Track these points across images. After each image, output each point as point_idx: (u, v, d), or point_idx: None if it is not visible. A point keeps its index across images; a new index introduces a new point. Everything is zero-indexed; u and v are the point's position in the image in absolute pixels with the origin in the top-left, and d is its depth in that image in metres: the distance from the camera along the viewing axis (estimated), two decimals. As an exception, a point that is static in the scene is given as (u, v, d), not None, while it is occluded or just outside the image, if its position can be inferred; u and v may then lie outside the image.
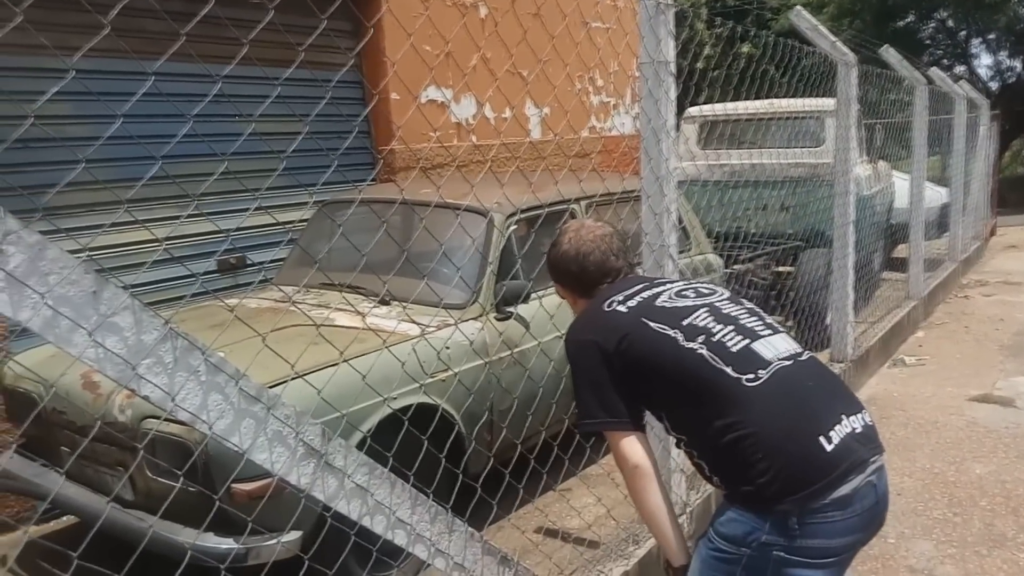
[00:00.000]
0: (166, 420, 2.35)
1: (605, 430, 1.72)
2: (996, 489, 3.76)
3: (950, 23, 20.27)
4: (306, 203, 4.59)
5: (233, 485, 2.31)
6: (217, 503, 1.84)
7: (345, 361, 2.24)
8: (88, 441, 2.59)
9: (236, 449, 1.30)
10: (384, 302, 3.11)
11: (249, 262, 4.57)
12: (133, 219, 3.43)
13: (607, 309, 1.79)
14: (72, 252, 1.08)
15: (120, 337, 1.14)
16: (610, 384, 1.70)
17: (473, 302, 3.29)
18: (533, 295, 3.30)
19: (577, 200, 3.83)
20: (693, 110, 7.02)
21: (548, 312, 3.13)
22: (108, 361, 1.13)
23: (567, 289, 2.00)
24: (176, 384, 1.21)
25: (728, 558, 1.60)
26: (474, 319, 3.24)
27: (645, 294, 1.82)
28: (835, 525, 1.52)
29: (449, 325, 2.96)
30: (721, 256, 4.98)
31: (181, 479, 1.98)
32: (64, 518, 3.56)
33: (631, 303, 1.79)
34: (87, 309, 1.10)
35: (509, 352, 3.26)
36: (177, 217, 4.00)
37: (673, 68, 2.71)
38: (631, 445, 1.70)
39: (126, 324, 1.15)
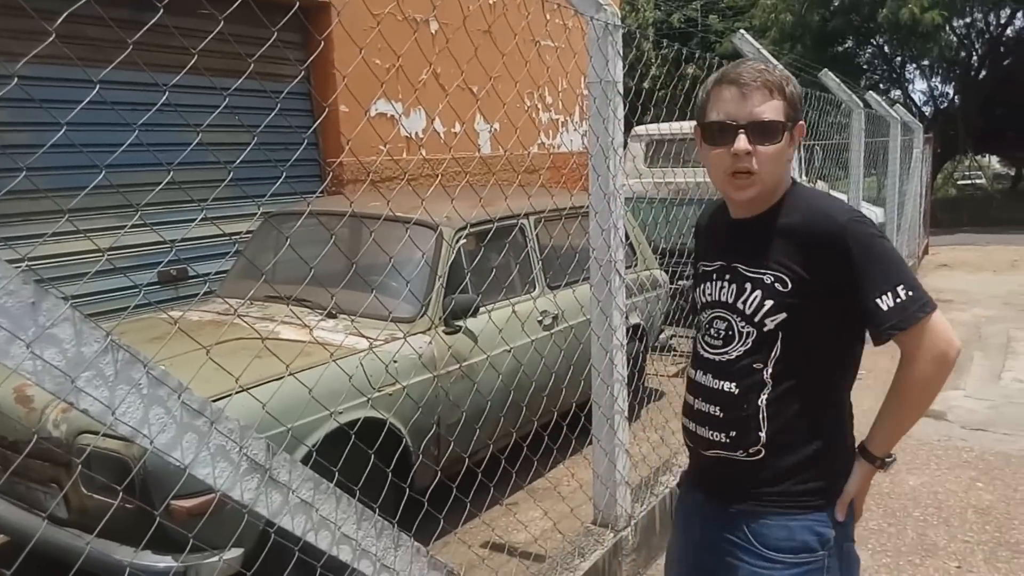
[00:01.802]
0: (103, 435, 2.30)
1: (935, 309, 1.49)
2: (929, 500, 3.88)
3: (887, 49, 21.05)
4: (252, 214, 4.53)
5: (172, 501, 2.27)
6: (156, 520, 1.80)
7: (291, 374, 2.22)
8: (22, 457, 2.51)
9: (178, 464, 1.28)
10: (331, 315, 3.09)
11: (192, 274, 4.49)
12: (74, 229, 3.34)
13: None
14: (11, 262, 1.06)
15: (59, 349, 1.11)
16: None
17: (422, 315, 3.28)
18: (482, 309, 3.31)
19: (526, 215, 3.87)
20: (640, 129, 7.14)
21: (496, 326, 3.15)
22: (46, 374, 1.10)
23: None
24: (116, 397, 1.19)
25: (810, 568, 1.52)
26: (422, 332, 3.23)
27: None
28: None
29: (397, 339, 2.95)
30: (666, 272, 5.07)
31: (119, 496, 1.93)
32: (-7, 537, 3.43)
33: None
34: (25, 320, 1.07)
35: (457, 366, 3.26)
36: (120, 227, 3.92)
37: (621, 87, 2.76)
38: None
39: (66, 336, 1.13)
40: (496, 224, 3.51)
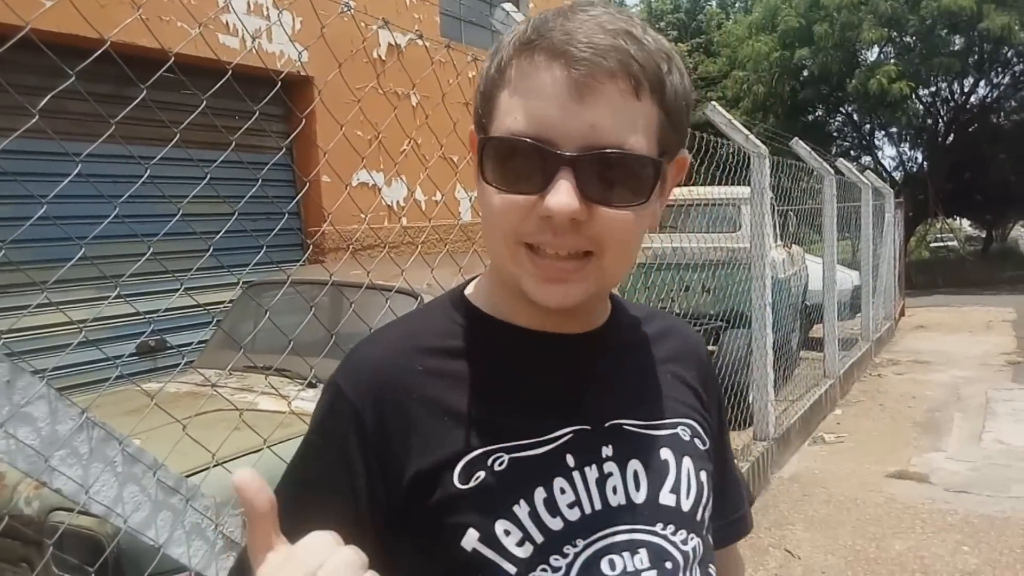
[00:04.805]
0: (77, 512, 2.25)
1: None
2: (915, 564, 3.85)
3: (856, 117, 21.67)
4: (232, 284, 4.53)
5: (146, 581, 2.21)
6: (129, 600, 1.76)
7: (268, 447, 2.19)
8: (-10, 536, 2.44)
9: (152, 543, 1.26)
10: (311, 385, 3.07)
11: (170, 344, 4.46)
12: (49, 302, 3.33)
13: None
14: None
15: (34, 427, 1.11)
16: None
17: (402, 385, 3.26)
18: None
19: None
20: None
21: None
22: (19, 453, 1.09)
23: None
24: (91, 476, 1.17)
25: None
26: (402, 402, 3.21)
27: None
28: None
29: (377, 408, 2.93)
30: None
31: None
32: (-44, 621, 3.30)
33: None
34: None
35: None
36: (98, 299, 3.90)
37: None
38: None
39: (40, 414, 1.12)
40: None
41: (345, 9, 2.42)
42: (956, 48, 18.23)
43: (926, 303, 15.09)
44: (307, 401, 3.00)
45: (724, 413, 0.98)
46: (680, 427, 0.86)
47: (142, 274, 4.19)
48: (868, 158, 22.32)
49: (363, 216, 5.43)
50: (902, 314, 12.99)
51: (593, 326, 0.86)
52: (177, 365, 4.20)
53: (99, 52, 1.37)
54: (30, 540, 2.46)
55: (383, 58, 6.64)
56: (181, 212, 1.66)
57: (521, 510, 0.75)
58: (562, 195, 0.69)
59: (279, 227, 5.13)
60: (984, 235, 28.29)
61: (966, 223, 30.19)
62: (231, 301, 4.14)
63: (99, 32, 1.46)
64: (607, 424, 0.81)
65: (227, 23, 5.28)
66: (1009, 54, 18.83)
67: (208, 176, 1.60)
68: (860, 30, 17.19)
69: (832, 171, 7.38)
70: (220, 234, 1.73)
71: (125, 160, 3.96)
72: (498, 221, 0.75)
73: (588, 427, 0.80)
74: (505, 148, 0.73)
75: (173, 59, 1.52)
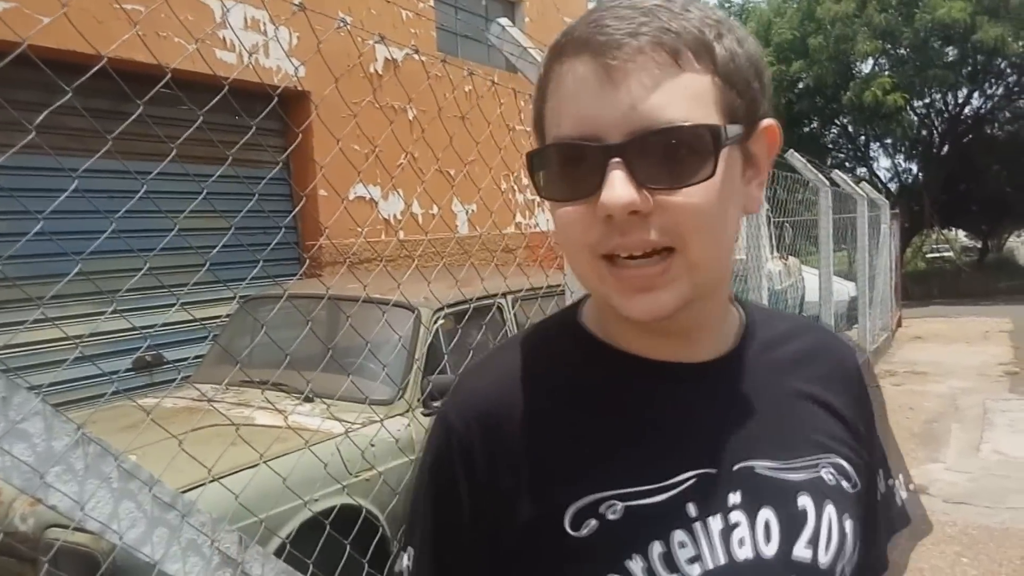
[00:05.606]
0: (72, 529, 2.24)
1: None
2: (914, 577, 3.84)
3: (851, 129, 21.77)
4: (229, 299, 4.53)
5: (142, 597, 2.19)
6: (124, 618, 1.74)
7: (264, 462, 2.19)
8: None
9: (148, 560, 1.25)
10: (307, 399, 3.06)
11: (167, 359, 4.45)
12: (45, 317, 3.33)
13: None
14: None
15: (29, 444, 1.10)
16: None
17: (399, 398, 3.26)
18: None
19: (503, 295, 3.89)
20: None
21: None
22: (14, 470, 1.08)
23: None
24: (86, 492, 1.17)
25: None
26: (400, 415, 3.21)
27: None
28: None
29: (375, 422, 2.93)
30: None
31: (86, 593, 1.87)
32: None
33: None
34: (-5, 416, 1.06)
35: (435, 449, 3.22)
36: (93, 314, 3.90)
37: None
38: None
39: (36, 430, 1.11)
40: (473, 304, 3.53)
41: (341, 24, 2.44)
42: (950, 60, 18.32)
43: (923, 314, 15.10)
44: (304, 416, 3.00)
45: (881, 446, 0.88)
46: (824, 467, 0.77)
47: (139, 289, 4.18)
48: (863, 169, 22.42)
49: (360, 230, 5.44)
50: (899, 325, 12.99)
51: (720, 350, 0.78)
52: (173, 380, 4.19)
53: (96, 68, 1.38)
54: (26, 557, 2.44)
55: (379, 73, 6.66)
56: (178, 227, 1.66)
57: (635, 565, 0.68)
58: (616, 188, 0.63)
59: (276, 241, 5.13)
60: (980, 245, 28.35)
61: (962, 234, 30.27)
62: (228, 316, 4.13)
63: (96, 48, 1.47)
64: (736, 466, 0.73)
65: (224, 39, 5.30)
66: (1002, 65, 18.92)
67: (205, 191, 1.61)
68: (854, 42, 17.27)
69: (828, 183, 7.40)
70: (217, 249, 1.73)
71: (122, 175, 3.97)
72: (567, 237, 0.69)
73: (713, 470, 0.72)
74: (551, 157, 0.69)
75: (170, 75, 1.53)
